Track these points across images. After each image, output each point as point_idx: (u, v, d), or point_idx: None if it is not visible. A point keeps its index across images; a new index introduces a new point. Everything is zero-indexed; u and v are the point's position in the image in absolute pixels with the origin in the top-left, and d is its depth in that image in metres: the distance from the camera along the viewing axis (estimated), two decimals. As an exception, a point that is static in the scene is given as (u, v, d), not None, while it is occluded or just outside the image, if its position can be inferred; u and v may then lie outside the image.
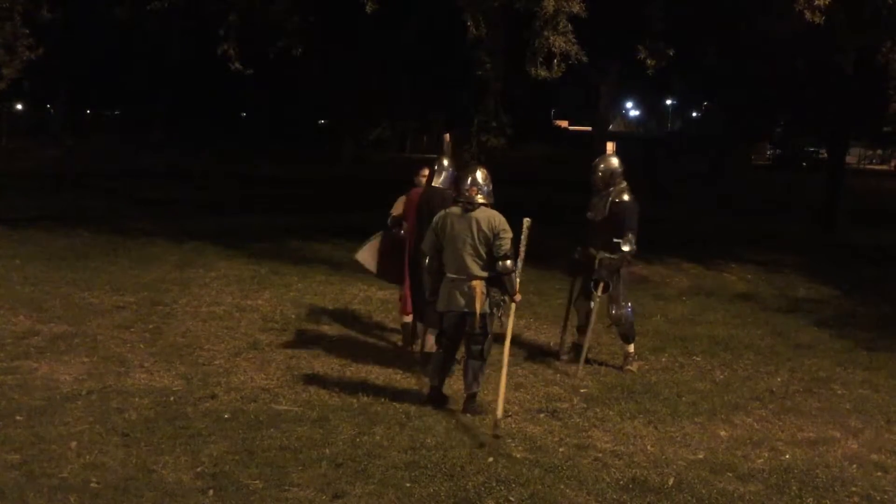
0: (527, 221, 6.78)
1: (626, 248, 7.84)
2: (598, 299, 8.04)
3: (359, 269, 11.84)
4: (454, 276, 6.70)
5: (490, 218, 6.66)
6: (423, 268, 7.20)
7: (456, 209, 6.80)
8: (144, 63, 34.65)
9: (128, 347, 8.17)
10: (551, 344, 8.82)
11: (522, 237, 6.77)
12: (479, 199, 6.72)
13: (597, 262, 7.99)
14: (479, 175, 6.80)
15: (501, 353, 6.71)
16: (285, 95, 37.76)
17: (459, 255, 6.67)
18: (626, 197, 7.95)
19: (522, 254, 6.77)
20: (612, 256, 7.90)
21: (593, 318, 8.06)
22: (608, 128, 22.79)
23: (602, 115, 20.11)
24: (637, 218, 7.96)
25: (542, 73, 11.78)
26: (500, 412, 6.37)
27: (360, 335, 9.02)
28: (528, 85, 15.34)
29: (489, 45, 12.73)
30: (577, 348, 8.39)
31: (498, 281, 6.67)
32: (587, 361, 8.17)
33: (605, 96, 19.56)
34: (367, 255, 8.51)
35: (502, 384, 6.50)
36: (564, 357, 8.31)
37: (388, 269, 8.45)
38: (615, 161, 8.09)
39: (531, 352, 8.59)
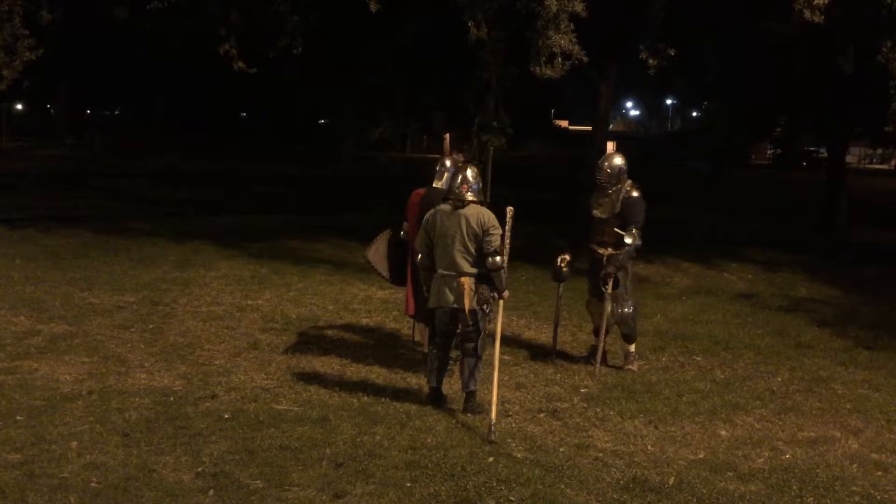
0: (510, 211, 6.77)
1: (628, 241, 7.87)
2: (609, 297, 8.03)
3: (359, 268, 11.77)
4: (444, 272, 6.72)
5: (479, 214, 6.67)
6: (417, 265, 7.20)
7: (446, 206, 6.81)
8: (144, 63, 34.63)
9: (128, 347, 8.17)
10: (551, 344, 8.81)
11: (507, 227, 6.73)
12: (469, 196, 6.73)
13: (605, 259, 8.01)
14: (470, 173, 6.83)
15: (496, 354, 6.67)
16: (285, 95, 37.75)
17: (449, 251, 6.68)
18: (635, 193, 8.01)
19: (508, 244, 6.70)
20: (619, 252, 7.92)
21: (605, 316, 8.05)
22: (608, 128, 22.76)
23: (602, 115, 20.08)
24: (644, 214, 8.01)
25: (547, 71, 11.78)
26: (493, 415, 6.29)
27: (360, 335, 9.02)
28: (528, 85, 15.35)
29: (491, 45, 12.74)
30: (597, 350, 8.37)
31: (487, 278, 6.67)
32: (586, 361, 8.17)
33: (605, 96, 19.53)
34: (376, 256, 8.42)
35: (495, 387, 6.45)
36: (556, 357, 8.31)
37: (396, 272, 8.37)
38: (619, 159, 8.15)
39: (531, 352, 8.58)
